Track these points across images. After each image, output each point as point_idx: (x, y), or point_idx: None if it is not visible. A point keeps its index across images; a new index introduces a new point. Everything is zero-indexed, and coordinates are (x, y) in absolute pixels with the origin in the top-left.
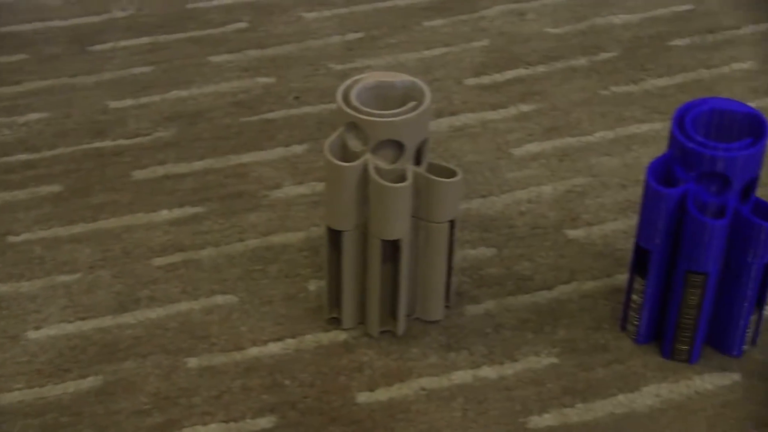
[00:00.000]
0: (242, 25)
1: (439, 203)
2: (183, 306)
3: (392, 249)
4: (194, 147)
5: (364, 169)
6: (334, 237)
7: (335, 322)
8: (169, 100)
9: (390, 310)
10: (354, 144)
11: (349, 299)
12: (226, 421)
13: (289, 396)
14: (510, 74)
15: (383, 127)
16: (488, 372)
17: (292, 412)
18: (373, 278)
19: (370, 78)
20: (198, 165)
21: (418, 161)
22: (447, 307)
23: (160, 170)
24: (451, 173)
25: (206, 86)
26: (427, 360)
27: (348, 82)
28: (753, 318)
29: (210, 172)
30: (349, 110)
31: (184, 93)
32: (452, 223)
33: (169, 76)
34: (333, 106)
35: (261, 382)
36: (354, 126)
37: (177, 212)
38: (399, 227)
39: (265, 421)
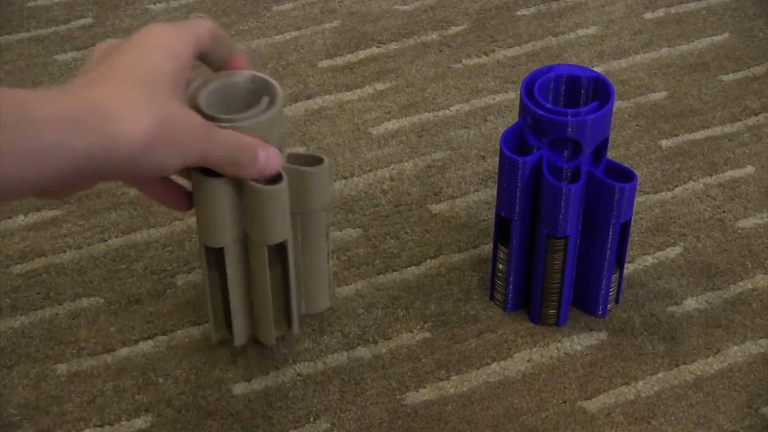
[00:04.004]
0: (87, 20)
1: (312, 193)
2: (47, 312)
3: (278, 252)
4: None
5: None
6: (213, 255)
7: (224, 342)
8: None
9: (283, 314)
10: None
11: (238, 316)
12: (100, 425)
13: (164, 394)
14: (363, 54)
15: (246, 132)
16: (363, 352)
17: (168, 410)
18: (263, 287)
19: (212, 80)
20: None
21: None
22: (331, 294)
23: None
24: (317, 160)
25: (54, 86)
26: (300, 345)
27: (190, 89)
28: (614, 277)
29: None
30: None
31: None
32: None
33: (14, 78)
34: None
35: (134, 382)
36: None
37: (33, 217)
38: (282, 228)
39: (141, 422)
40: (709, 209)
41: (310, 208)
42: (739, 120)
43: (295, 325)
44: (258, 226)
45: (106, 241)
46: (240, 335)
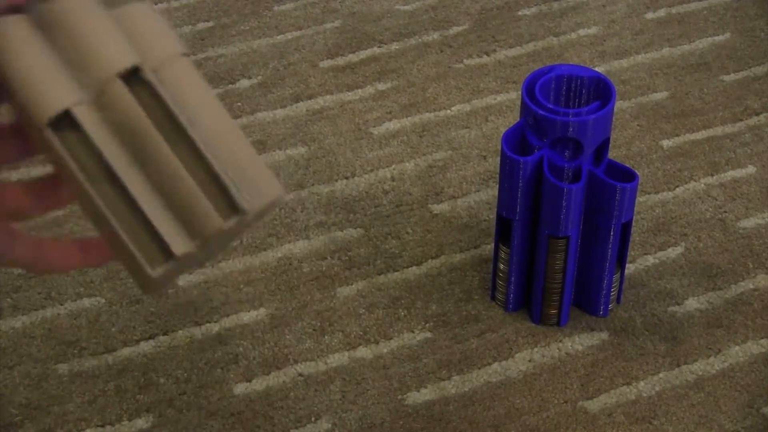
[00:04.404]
0: None
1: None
2: (48, 312)
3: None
4: None
5: None
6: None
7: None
8: None
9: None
10: None
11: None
12: (102, 425)
13: (165, 394)
14: (364, 54)
15: None
16: (364, 352)
17: (170, 410)
18: (156, 152)
19: None
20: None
21: None
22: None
23: None
24: None
25: None
26: (302, 345)
27: None
28: (615, 277)
29: None
30: None
31: None
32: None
33: None
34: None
35: (135, 382)
36: None
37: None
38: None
39: (142, 422)
40: (710, 209)
41: (161, 51)
42: (741, 120)
43: (241, 203)
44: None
45: None
46: (172, 236)
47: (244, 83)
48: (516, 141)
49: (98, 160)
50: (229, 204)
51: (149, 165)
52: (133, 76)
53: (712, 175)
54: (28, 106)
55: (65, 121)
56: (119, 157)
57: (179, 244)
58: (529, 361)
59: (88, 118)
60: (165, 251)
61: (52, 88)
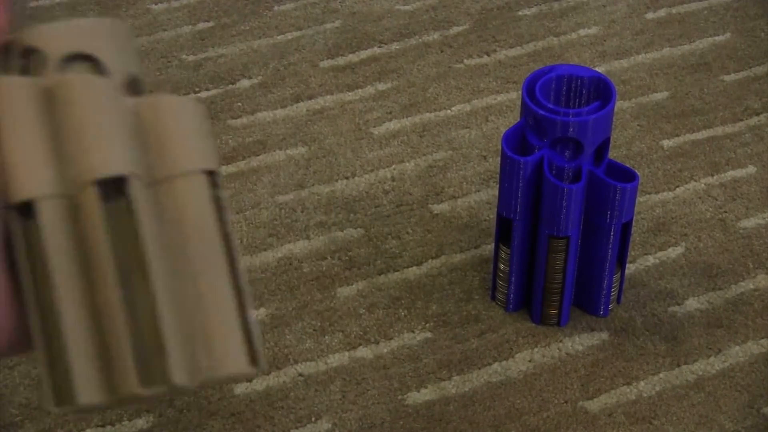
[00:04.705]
0: None
1: (176, 140)
2: None
3: (126, 223)
4: None
5: None
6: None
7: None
8: None
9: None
10: None
11: (72, 337)
12: (102, 425)
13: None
14: (364, 54)
15: None
16: (364, 352)
17: (170, 410)
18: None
19: None
20: None
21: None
22: (251, 352)
23: None
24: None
25: None
26: (302, 345)
27: None
28: (616, 277)
29: None
30: None
31: None
32: (213, 179)
33: None
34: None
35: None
36: None
37: None
38: (114, 151)
39: (143, 422)
40: (710, 209)
41: (172, 163)
42: (741, 120)
43: (172, 375)
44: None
45: None
46: (83, 382)
47: (245, 83)
48: (516, 141)
49: (43, 265)
50: (160, 370)
51: (93, 292)
52: (118, 186)
53: (713, 175)
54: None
55: (29, 207)
56: (65, 271)
57: (87, 392)
58: (530, 361)
59: (50, 217)
60: (70, 393)
61: (28, 172)
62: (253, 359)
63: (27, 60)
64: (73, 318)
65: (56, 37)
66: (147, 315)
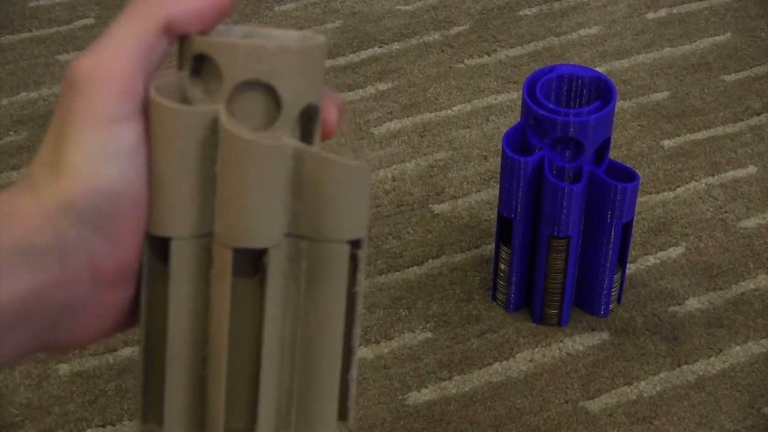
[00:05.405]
0: (89, 21)
1: (334, 206)
2: None
3: (258, 285)
4: None
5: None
6: (158, 254)
7: None
8: (18, 102)
9: (246, 405)
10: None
11: (176, 382)
12: (102, 426)
13: None
14: (365, 54)
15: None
16: (365, 352)
17: None
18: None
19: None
20: None
21: (307, 133)
22: (345, 410)
23: (14, 175)
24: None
25: (56, 86)
26: None
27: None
28: (616, 277)
29: None
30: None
31: (33, 94)
32: (356, 244)
33: (16, 78)
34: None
35: (136, 382)
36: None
37: None
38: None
39: None
40: (711, 209)
41: (321, 227)
42: (741, 120)
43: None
44: (235, 208)
45: None
46: (173, 421)
47: None
48: (517, 141)
49: (163, 302)
50: (248, 423)
51: (203, 339)
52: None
53: (713, 175)
54: (148, 206)
55: (164, 242)
56: (183, 314)
57: (172, 428)
58: (530, 361)
59: (181, 257)
60: (158, 419)
61: (172, 211)
62: (343, 415)
63: (201, 64)
64: (178, 359)
65: (238, 57)
66: (247, 381)
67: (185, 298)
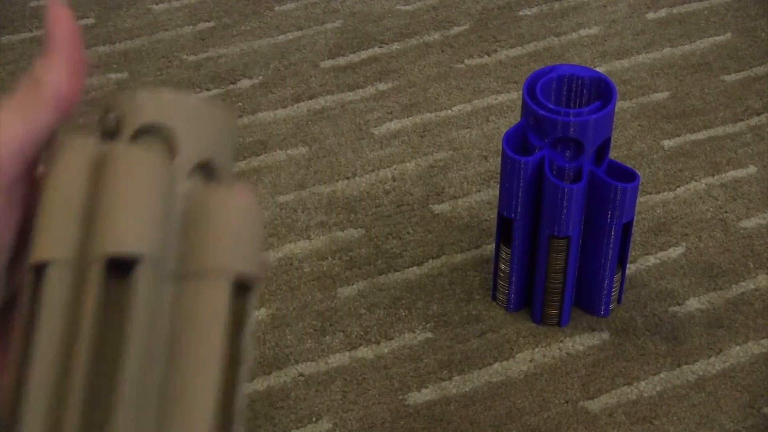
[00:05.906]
0: (89, 20)
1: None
2: None
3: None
4: None
5: None
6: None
7: None
8: None
9: None
10: None
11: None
12: None
13: None
14: (365, 54)
15: None
16: (365, 352)
17: None
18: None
19: None
20: None
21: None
22: None
23: None
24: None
25: None
26: (302, 345)
27: None
28: (617, 277)
29: None
30: None
31: None
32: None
33: (16, 78)
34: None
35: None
36: None
37: None
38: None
39: None
40: (711, 209)
41: (202, 257)
42: (742, 120)
43: None
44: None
45: None
46: None
47: (245, 83)
48: (517, 141)
49: (33, 325)
50: None
51: (66, 368)
52: (130, 267)
53: (713, 175)
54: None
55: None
56: (47, 338)
57: None
58: (530, 361)
59: (55, 282)
60: None
61: (50, 236)
62: None
63: (109, 121)
64: (39, 389)
65: (141, 106)
66: (104, 409)
67: (54, 321)
